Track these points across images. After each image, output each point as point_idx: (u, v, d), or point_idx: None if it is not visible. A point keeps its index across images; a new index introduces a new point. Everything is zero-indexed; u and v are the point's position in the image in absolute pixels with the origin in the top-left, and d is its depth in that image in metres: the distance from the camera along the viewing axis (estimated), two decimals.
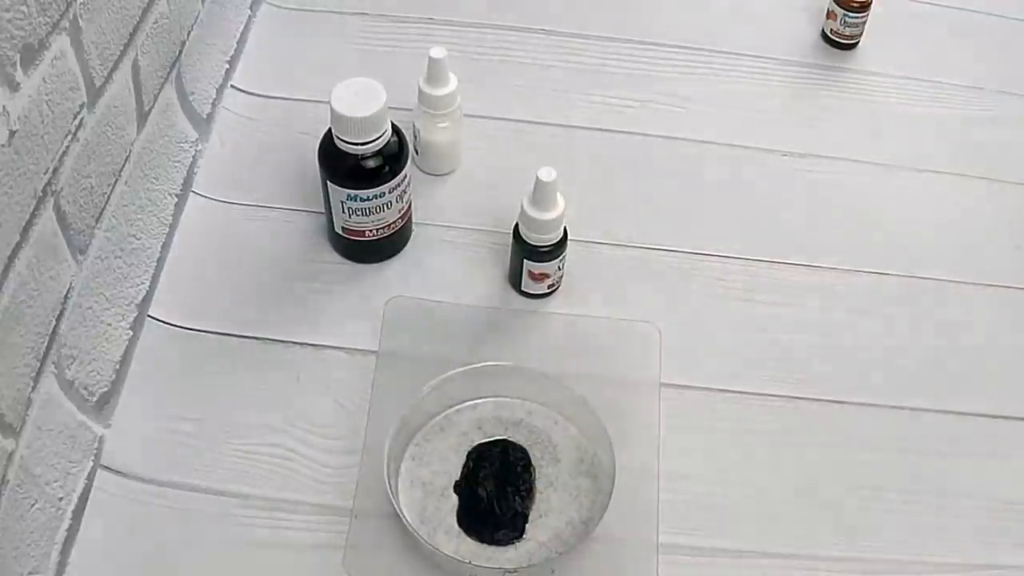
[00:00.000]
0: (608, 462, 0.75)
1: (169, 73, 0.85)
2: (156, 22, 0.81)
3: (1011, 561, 0.76)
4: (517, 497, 0.74)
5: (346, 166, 0.80)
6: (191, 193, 0.90)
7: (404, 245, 0.88)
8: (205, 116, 0.93)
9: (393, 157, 0.80)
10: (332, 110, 0.77)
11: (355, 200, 0.81)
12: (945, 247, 0.92)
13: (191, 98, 0.90)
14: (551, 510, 0.75)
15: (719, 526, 0.76)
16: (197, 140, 0.91)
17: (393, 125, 0.80)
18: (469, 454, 0.77)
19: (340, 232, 0.85)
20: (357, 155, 0.79)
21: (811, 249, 0.90)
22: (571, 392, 0.78)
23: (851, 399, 0.83)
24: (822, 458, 0.80)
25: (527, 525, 0.74)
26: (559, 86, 1.00)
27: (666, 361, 0.82)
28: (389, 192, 0.81)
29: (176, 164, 0.88)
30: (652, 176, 0.95)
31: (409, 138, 0.83)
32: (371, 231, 0.84)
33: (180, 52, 0.87)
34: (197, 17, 0.91)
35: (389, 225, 0.84)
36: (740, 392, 0.82)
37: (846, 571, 0.75)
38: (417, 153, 0.91)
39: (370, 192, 0.80)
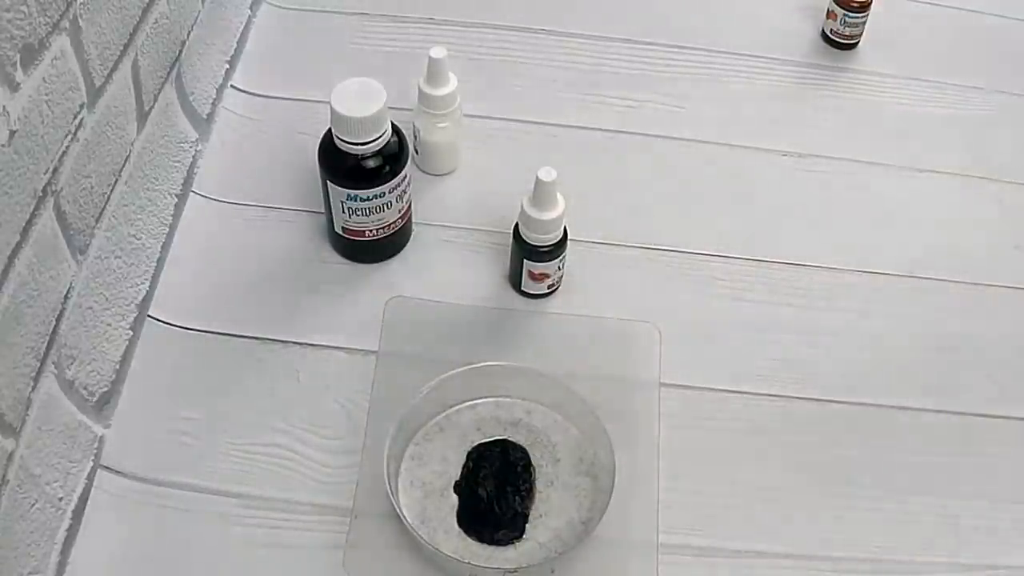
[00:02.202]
0: (608, 462, 0.75)
1: (169, 73, 0.85)
2: (156, 22, 0.81)
3: (1012, 561, 0.76)
4: (517, 497, 0.74)
5: (346, 166, 0.80)
6: (191, 193, 0.90)
7: (404, 245, 0.88)
8: (205, 116, 0.93)
9: (393, 157, 0.80)
10: (332, 110, 0.77)
11: (355, 200, 0.81)
12: (945, 247, 0.92)
13: (191, 98, 0.90)
14: (551, 510, 0.75)
15: (719, 526, 0.76)
16: (197, 140, 0.91)
17: (393, 125, 0.80)
18: (469, 454, 0.77)
19: (340, 232, 0.85)
20: (357, 155, 0.79)
21: (811, 249, 0.90)
22: (571, 392, 0.78)
23: (851, 399, 0.83)
24: (822, 458, 0.80)
25: (527, 525, 0.74)
26: (559, 86, 1.00)
27: (666, 361, 0.82)
28: (389, 192, 0.81)
29: (176, 164, 0.88)
30: (651, 176, 0.95)
31: (409, 138, 0.83)
32: (371, 231, 0.84)
33: (180, 52, 0.87)
34: (197, 17, 0.91)
35: (389, 225, 0.84)
36: (740, 392, 0.82)
37: (846, 571, 0.75)
38: (417, 153, 0.91)
39: (370, 192, 0.80)
